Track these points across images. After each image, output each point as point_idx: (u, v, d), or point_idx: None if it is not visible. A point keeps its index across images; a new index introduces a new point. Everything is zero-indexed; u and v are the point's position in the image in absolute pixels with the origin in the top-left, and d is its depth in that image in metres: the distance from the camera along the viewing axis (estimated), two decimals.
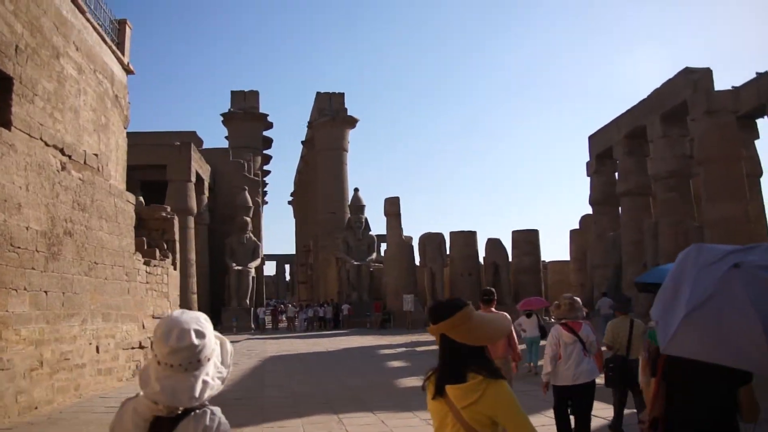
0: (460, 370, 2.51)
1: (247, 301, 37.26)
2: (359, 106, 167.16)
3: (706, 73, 22.56)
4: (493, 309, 8.04)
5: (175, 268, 17.64)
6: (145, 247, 16.77)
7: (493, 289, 8.39)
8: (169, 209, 18.00)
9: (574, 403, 6.34)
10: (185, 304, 32.71)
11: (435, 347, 2.83)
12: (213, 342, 1.99)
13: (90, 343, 12.05)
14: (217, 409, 1.97)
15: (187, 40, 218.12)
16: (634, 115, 27.07)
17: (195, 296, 33.67)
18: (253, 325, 36.94)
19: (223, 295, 37.76)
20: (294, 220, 78.46)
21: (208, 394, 1.93)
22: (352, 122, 52.06)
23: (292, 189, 78.03)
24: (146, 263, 15.51)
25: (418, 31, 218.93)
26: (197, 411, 1.93)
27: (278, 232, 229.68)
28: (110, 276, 13.17)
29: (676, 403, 3.08)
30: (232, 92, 50.44)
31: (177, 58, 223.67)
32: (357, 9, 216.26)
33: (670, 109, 23.97)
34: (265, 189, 73.34)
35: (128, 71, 16.17)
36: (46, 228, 10.63)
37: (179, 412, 1.91)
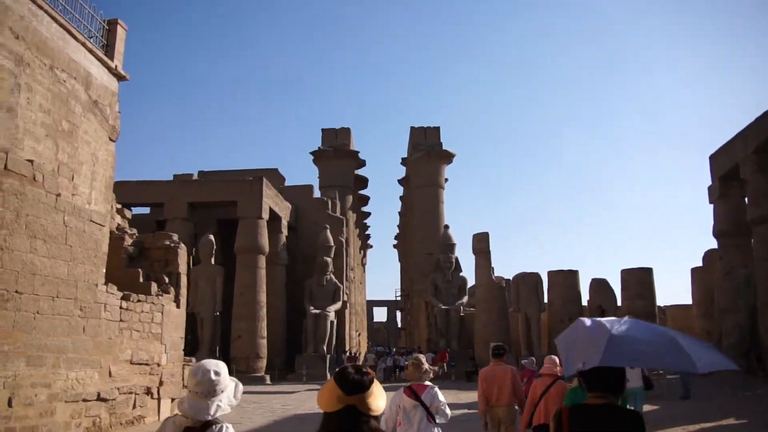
0: None
1: (324, 347, 34.38)
2: (457, 140, 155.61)
3: None
4: (501, 363, 8.03)
5: (178, 306, 15.07)
6: (141, 280, 14.45)
7: (505, 345, 8.32)
8: (175, 237, 15.57)
9: None
10: (252, 348, 30.48)
11: None
12: (227, 381, 2.91)
13: None
14: (230, 426, 2.87)
15: (282, 80, 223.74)
16: (766, 124, 21.92)
17: (264, 341, 31.29)
18: (329, 374, 33.93)
19: (301, 340, 35.28)
20: (399, 264, 75.93)
21: (219, 413, 2.82)
22: (449, 157, 48.95)
23: (396, 231, 75.67)
24: (125, 297, 13.03)
25: (515, 61, 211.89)
26: (216, 425, 2.82)
27: (388, 276, 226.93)
28: (47, 310, 10.67)
29: None
30: (323, 130, 48.99)
31: (268, 97, 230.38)
32: (449, 41, 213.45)
33: None
34: (367, 232, 71.58)
35: (119, 77, 14.10)
36: None
37: (200, 424, 2.81)
